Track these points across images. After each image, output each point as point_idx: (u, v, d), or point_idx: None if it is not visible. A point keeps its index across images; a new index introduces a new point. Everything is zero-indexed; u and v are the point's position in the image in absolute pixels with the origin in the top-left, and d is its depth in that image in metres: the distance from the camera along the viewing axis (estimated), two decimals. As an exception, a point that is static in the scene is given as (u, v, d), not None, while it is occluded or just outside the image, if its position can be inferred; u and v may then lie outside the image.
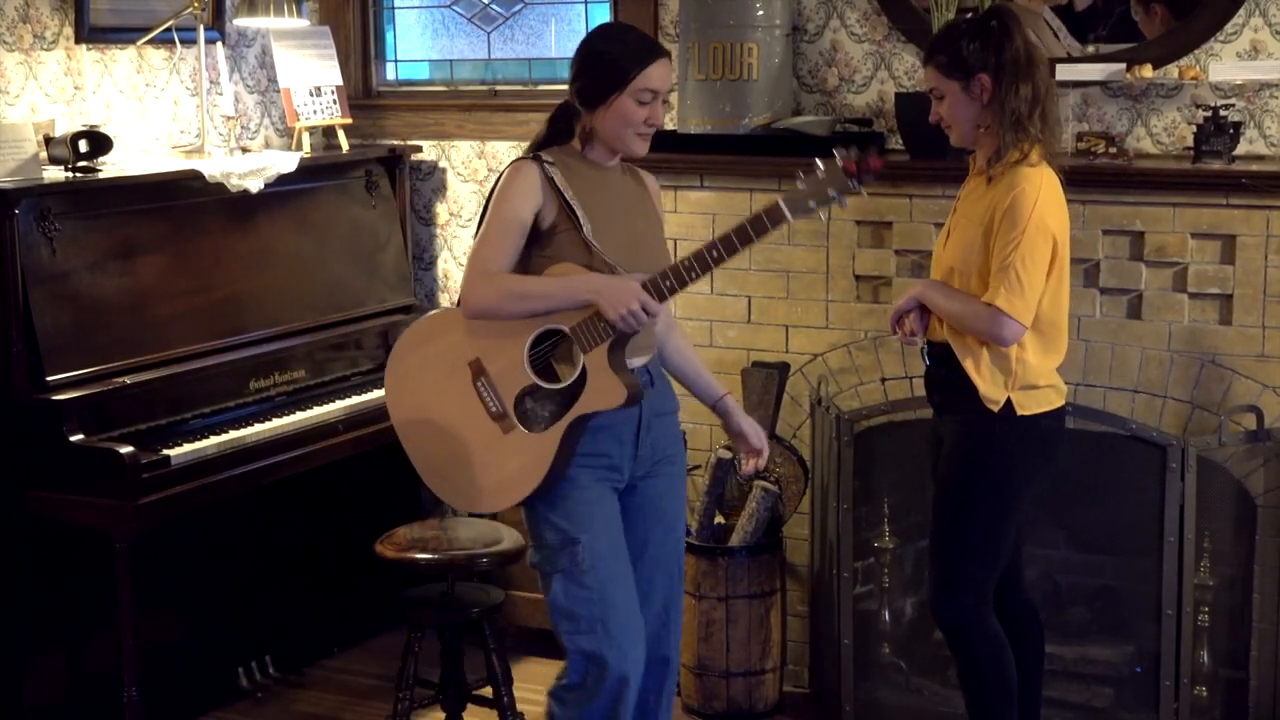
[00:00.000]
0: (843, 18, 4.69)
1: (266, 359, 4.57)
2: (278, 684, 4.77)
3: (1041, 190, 3.49)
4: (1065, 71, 4.25)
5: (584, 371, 3.27)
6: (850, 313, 4.53)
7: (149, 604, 4.27)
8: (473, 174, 5.37)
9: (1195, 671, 4.18)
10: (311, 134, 5.15)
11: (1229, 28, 4.25)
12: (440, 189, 5.43)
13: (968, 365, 3.57)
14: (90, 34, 4.73)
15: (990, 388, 3.55)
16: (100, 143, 4.36)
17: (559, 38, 5.34)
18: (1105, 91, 4.40)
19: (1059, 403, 3.66)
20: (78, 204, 4.23)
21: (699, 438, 4.74)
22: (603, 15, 5.18)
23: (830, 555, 4.46)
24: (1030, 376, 3.56)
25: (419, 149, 5.39)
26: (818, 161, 3.23)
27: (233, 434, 4.29)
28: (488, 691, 4.21)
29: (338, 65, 5.24)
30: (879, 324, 4.44)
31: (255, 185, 4.65)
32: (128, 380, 4.15)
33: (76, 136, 4.31)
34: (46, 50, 4.64)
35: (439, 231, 5.45)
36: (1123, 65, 4.23)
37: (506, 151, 5.29)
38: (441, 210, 5.43)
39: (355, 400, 4.70)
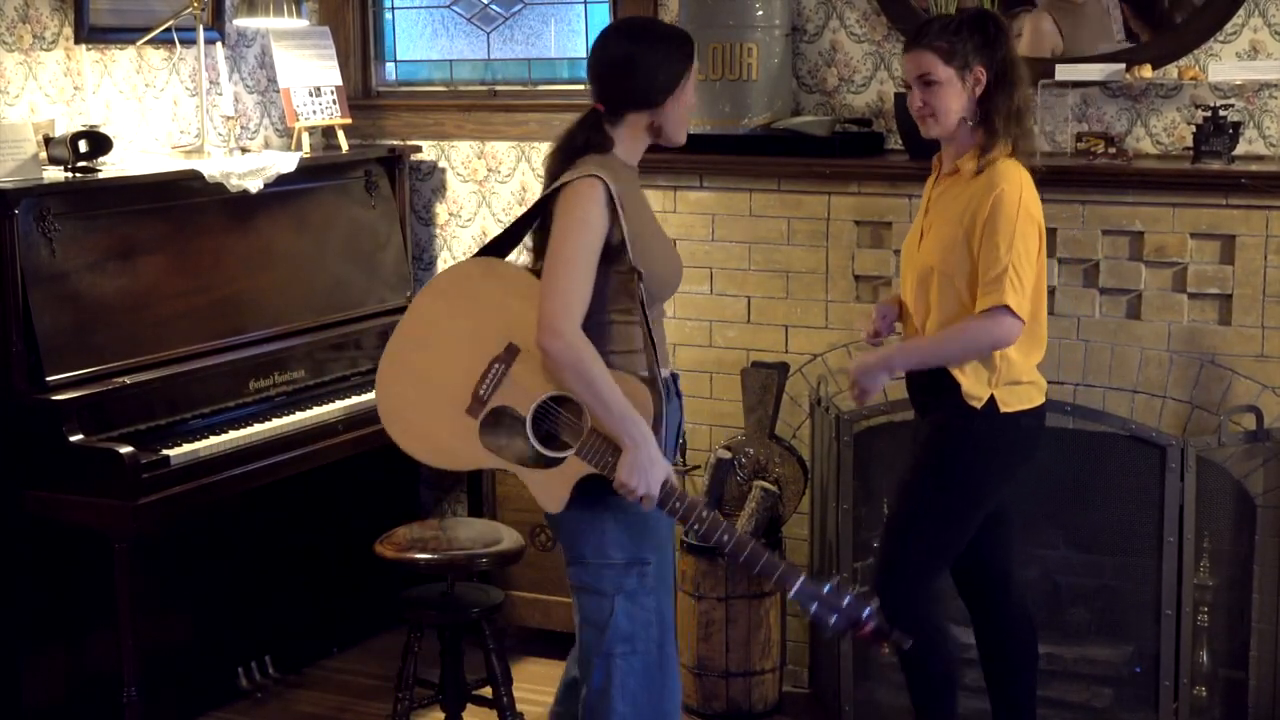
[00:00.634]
0: (842, 18, 4.69)
1: (266, 359, 4.57)
2: (278, 684, 4.77)
3: (1023, 184, 3.51)
4: (1065, 71, 4.26)
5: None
6: (850, 313, 4.53)
7: (149, 604, 4.28)
8: (472, 174, 5.37)
9: (1195, 671, 4.18)
10: (311, 134, 5.15)
11: (1228, 28, 4.26)
12: (440, 189, 5.43)
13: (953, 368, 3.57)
14: (90, 34, 4.73)
15: (974, 384, 3.55)
16: (100, 143, 4.36)
17: (559, 38, 5.34)
18: (1105, 91, 4.40)
19: (1039, 400, 3.66)
20: (77, 204, 4.23)
21: (699, 437, 4.74)
22: (602, 15, 5.18)
23: (830, 555, 4.46)
24: (1013, 373, 3.56)
25: (419, 149, 5.39)
26: (855, 597, 3.20)
27: (232, 434, 4.29)
28: (487, 691, 4.21)
29: (337, 65, 5.24)
30: (878, 324, 4.44)
31: (255, 185, 4.65)
32: (127, 380, 4.15)
33: (76, 136, 4.31)
34: (46, 50, 4.64)
35: (439, 231, 5.45)
36: (1122, 65, 4.24)
37: (506, 151, 5.30)
38: (441, 210, 5.43)
39: (355, 400, 4.70)
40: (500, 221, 5.33)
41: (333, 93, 5.19)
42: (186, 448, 4.14)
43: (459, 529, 4.33)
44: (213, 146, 4.89)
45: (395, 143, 5.40)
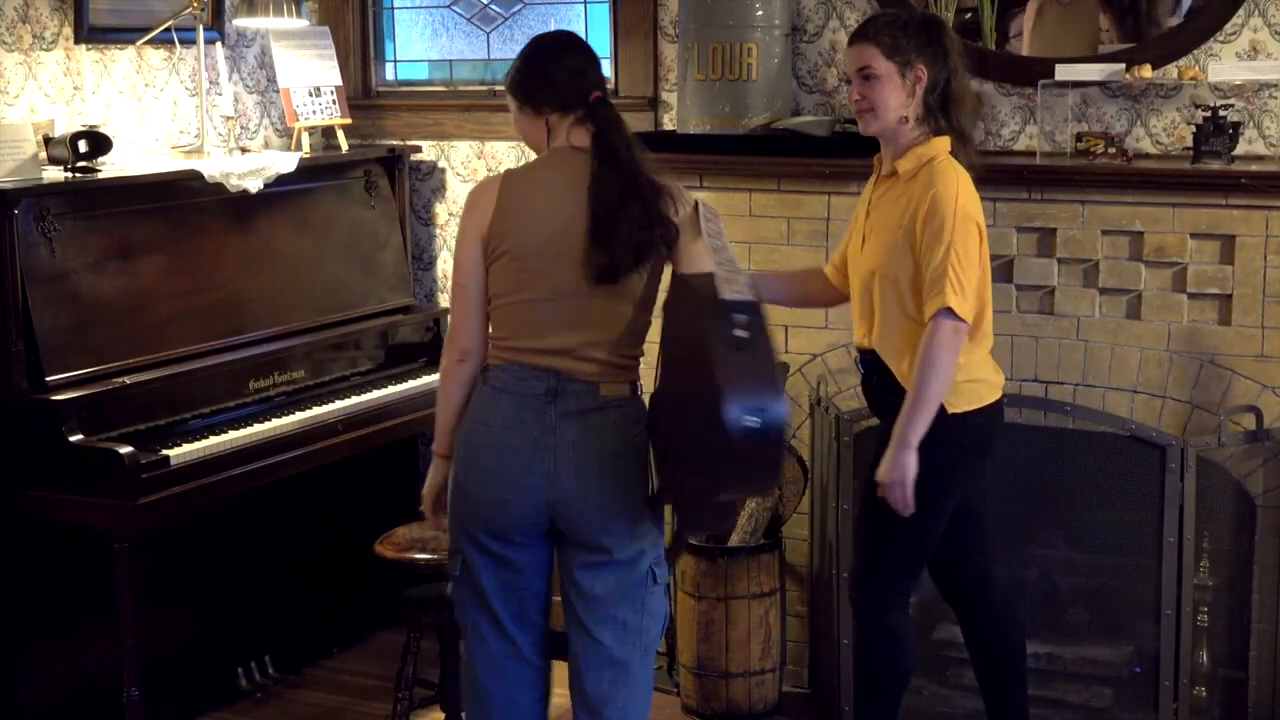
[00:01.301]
0: (842, 18, 4.69)
1: (266, 359, 4.57)
2: (278, 684, 4.77)
3: (960, 183, 3.50)
4: (1064, 71, 4.26)
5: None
6: (850, 313, 4.52)
7: (149, 604, 4.28)
8: (472, 174, 5.37)
9: (1194, 672, 4.18)
10: (311, 134, 5.15)
11: (1228, 28, 4.26)
12: (440, 189, 5.43)
13: (896, 369, 3.56)
14: (90, 34, 4.73)
15: None
16: (100, 143, 4.36)
17: (558, 38, 5.33)
18: (1104, 91, 4.40)
19: (992, 397, 3.62)
20: (77, 204, 4.23)
21: (698, 438, 4.73)
22: (602, 15, 5.18)
23: (830, 555, 4.46)
24: (961, 373, 3.52)
25: (418, 149, 5.39)
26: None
27: (232, 434, 4.29)
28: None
29: (337, 65, 5.24)
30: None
31: (255, 185, 4.65)
32: (127, 380, 4.15)
33: (76, 136, 4.31)
34: (46, 50, 4.64)
35: (438, 232, 5.45)
36: (1122, 65, 4.24)
37: (506, 151, 5.30)
38: (441, 210, 5.43)
39: (355, 400, 4.70)
40: (500, 221, 5.33)
41: (332, 93, 5.19)
42: (186, 448, 4.14)
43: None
44: (212, 146, 4.89)
45: (395, 143, 5.40)
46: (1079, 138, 4.34)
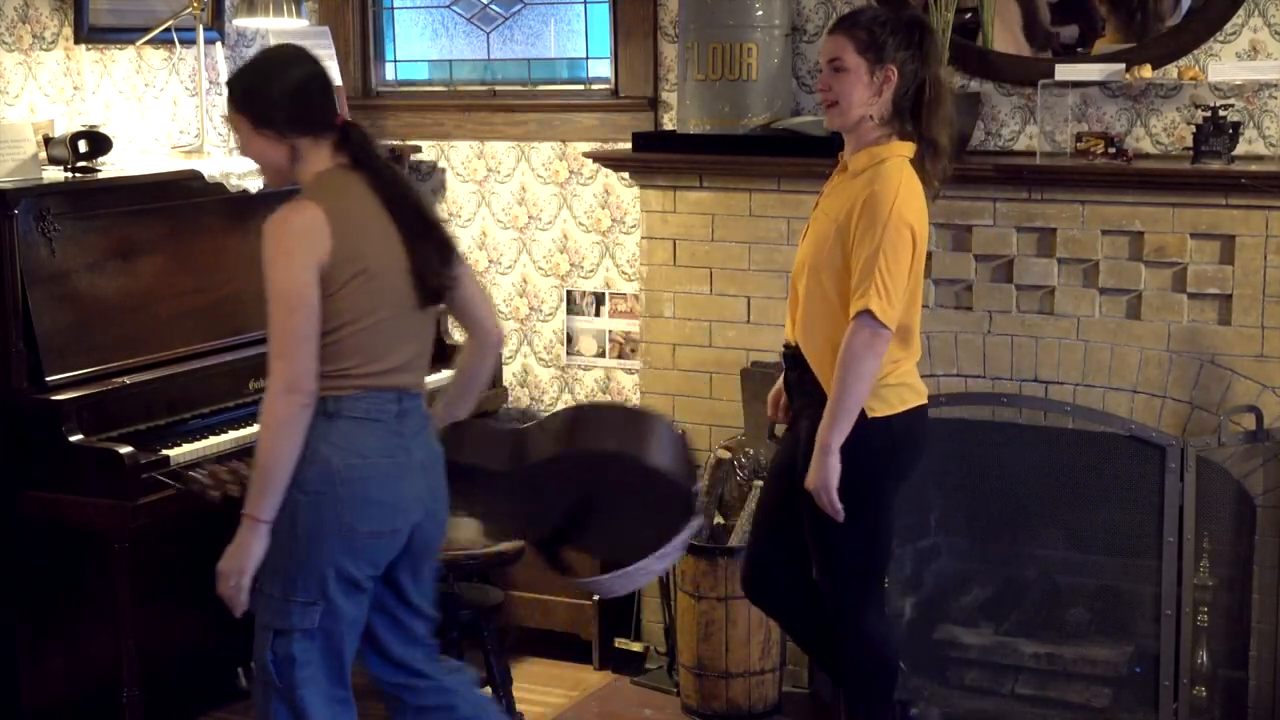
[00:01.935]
0: (842, 18, 4.69)
1: (266, 359, 4.55)
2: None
3: (900, 187, 3.44)
4: (1064, 71, 4.26)
5: None
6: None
7: (149, 604, 4.27)
8: (472, 174, 5.37)
9: (1194, 672, 4.18)
10: (311, 134, 5.14)
11: (1228, 28, 4.26)
12: (440, 189, 5.43)
13: (816, 366, 3.52)
14: (89, 34, 4.72)
15: None
16: (99, 143, 4.36)
17: (559, 38, 5.33)
18: (1104, 91, 4.40)
19: (915, 402, 3.58)
20: (77, 204, 4.23)
21: (698, 437, 4.74)
22: (602, 15, 5.18)
23: (830, 555, 4.45)
24: (882, 377, 3.47)
25: (418, 149, 5.39)
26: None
27: (232, 434, 4.28)
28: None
29: (337, 65, 5.24)
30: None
31: (254, 185, 4.64)
32: (127, 380, 4.15)
33: (76, 137, 4.31)
34: (46, 50, 4.63)
35: (438, 231, 5.44)
36: (1121, 65, 4.24)
37: (506, 152, 5.30)
38: (441, 210, 5.43)
39: (355, 400, 4.69)
40: (500, 222, 5.34)
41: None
42: (186, 448, 4.13)
43: (459, 529, 4.32)
44: (212, 146, 4.89)
45: (395, 143, 5.40)
46: (1079, 138, 4.34)
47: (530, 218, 5.29)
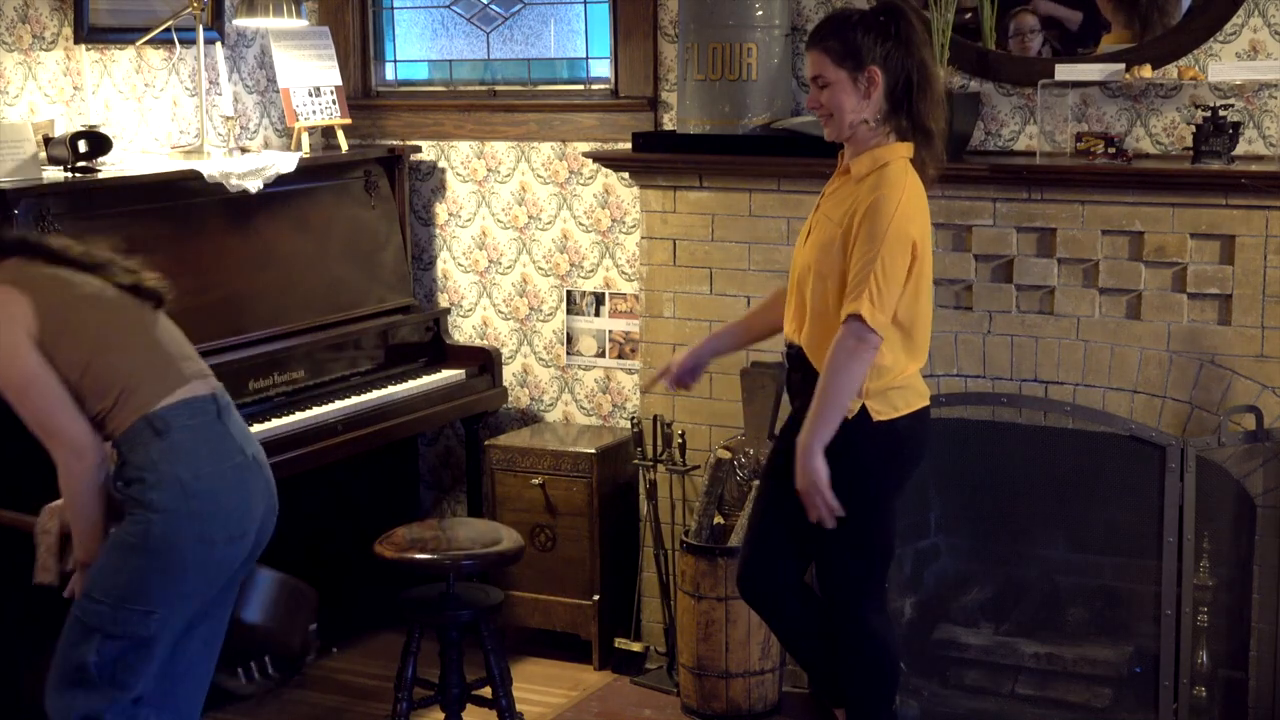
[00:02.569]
0: (842, 18, 4.69)
1: (266, 359, 4.57)
2: (277, 684, 4.76)
3: (904, 197, 3.43)
4: (1064, 71, 4.26)
5: None
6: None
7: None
8: (472, 174, 5.37)
9: (1194, 672, 4.18)
10: (310, 134, 5.15)
11: (1228, 28, 4.26)
12: (439, 189, 5.43)
13: (819, 368, 3.49)
14: (89, 34, 4.72)
15: None
16: (99, 143, 4.36)
17: (558, 38, 5.34)
18: (1104, 92, 4.40)
19: (918, 404, 3.58)
20: (77, 204, 4.23)
21: (699, 437, 4.74)
22: (602, 15, 5.18)
23: (830, 555, 4.46)
24: (885, 381, 3.47)
25: (418, 149, 5.39)
26: None
27: (232, 434, 4.28)
28: (487, 691, 4.21)
29: (337, 65, 5.24)
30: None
31: (254, 185, 4.65)
32: (127, 380, 4.14)
33: (76, 137, 4.31)
34: (46, 50, 4.63)
35: (438, 231, 5.45)
36: (1121, 65, 4.24)
37: (506, 151, 5.30)
38: (441, 210, 5.43)
39: (354, 400, 4.70)
40: (500, 222, 5.34)
41: (332, 93, 5.19)
42: (186, 448, 4.13)
43: (458, 529, 4.33)
44: (212, 146, 4.89)
45: (395, 143, 5.40)
46: (1079, 138, 4.34)
47: (530, 218, 5.29)
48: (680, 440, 4.74)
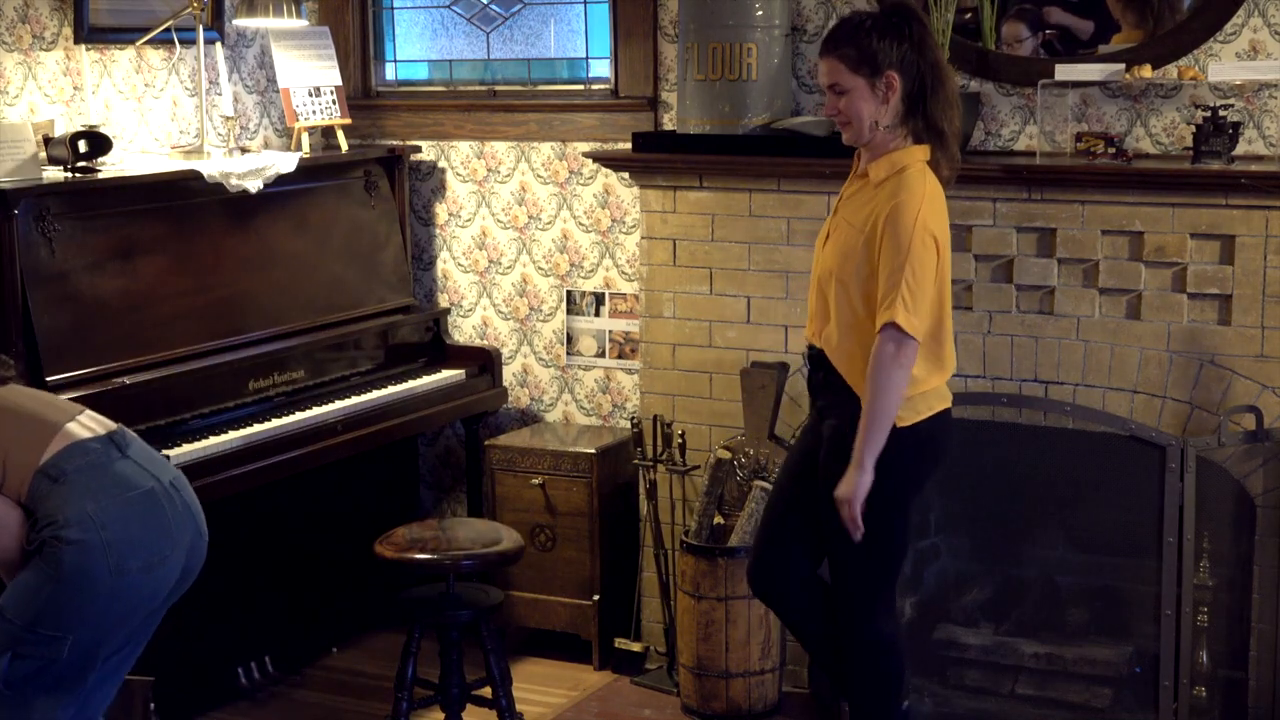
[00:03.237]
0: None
1: (266, 359, 4.57)
2: (278, 684, 4.76)
3: (925, 199, 3.44)
4: (1064, 72, 4.26)
5: None
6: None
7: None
8: (472, 174, 5.37)
9: (1194, 672, 4.18)
10: (310, 134, 5.15)
11: (1228, 28, 4.26)
12: (439, 189, 5.43)
13: (844, 372, 3.52)
14: (89, 34, 4.72)
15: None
16: (99, 143, 4.36)
17: (558, 38, 5.34)
18: (1104, 92, 4.40)
19: (940, 406, 3.59)
20: (77, 204, 4.23)
21: (699, 437, 4.74)
22: (602, 15, 5.18)
23: (830, 555, 4.46)
24: (912, 389, 3.48)
25: (418, 149, 5.39)
26: None
27: (232, 434, 4.28)
28: (487, 691, 4.21)
29: (337, 65, 5.24)
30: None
31: (254, 185, 4.65)
32: (127, 380, 4.15)
33: (76, 137, 4.31)
34: (46, 50, 4.63)
35: (438, 231, 5.45)
36: (1121, 65, 4.24)
37: (506, 151, 5.30)
38: (441, 210, 5.43)
39: (354, 400, 4.70)
40: (500, 221, 5.34)
41: (332, 93, 5.19)
42: (186, 448, 4.14)
43: (458, 529, 4.33)
44: (212, 146, 4.89)
45: (395, 143, 5.40)
46: (1079, 138, 4.34)
47: (530, 218, 5.29)
48: (680, 440, 4.74)
